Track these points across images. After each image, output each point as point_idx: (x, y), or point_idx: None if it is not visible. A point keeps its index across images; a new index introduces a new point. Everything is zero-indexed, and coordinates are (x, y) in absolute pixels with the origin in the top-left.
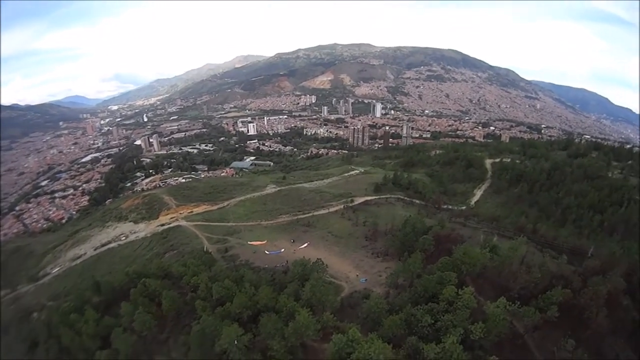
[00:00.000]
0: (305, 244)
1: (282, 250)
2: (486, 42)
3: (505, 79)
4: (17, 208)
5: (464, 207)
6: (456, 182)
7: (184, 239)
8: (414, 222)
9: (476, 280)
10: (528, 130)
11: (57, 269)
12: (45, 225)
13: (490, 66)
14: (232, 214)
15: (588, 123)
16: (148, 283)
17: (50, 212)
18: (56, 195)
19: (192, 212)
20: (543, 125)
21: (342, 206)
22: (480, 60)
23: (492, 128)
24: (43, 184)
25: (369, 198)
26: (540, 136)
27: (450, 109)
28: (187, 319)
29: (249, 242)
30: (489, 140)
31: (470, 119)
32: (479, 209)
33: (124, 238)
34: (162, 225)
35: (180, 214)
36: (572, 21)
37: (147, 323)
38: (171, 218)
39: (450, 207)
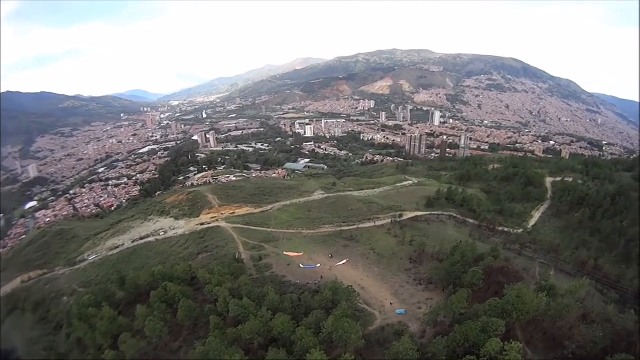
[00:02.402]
0: (344, 261)
1: (318, 265)
2: (547, 50)
3: (567, 91)
4: (72, 192)
5: (520, 230)
6: (514, 201)
7: (220, 241)
8: (464, 249)
9: (526, 328)
10: (589, 146)
11: (93, 257)
12: (94, 211)
13: (552, 77)
14: (274, 219)
15: None
16: (169, 287)
17: (102, 199)
18: (110, 183)
19: (234, 213)
20: (604, 142)
21: (389, 220)
22: (542, 70)
23: (552, 142)
24: (100, 171)
25: (419, 213)
26: (601, 154)
27: (509, 120)
28: (202, 331)
29: (284, 253)
30: (549, 156)
31: (530, 131)
32: (536, 234)
33: (162, 233)
34: (202, 224)
35: (222, 214)
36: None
37: (158, 331)
38: (212, 218)
39: (505, 229)
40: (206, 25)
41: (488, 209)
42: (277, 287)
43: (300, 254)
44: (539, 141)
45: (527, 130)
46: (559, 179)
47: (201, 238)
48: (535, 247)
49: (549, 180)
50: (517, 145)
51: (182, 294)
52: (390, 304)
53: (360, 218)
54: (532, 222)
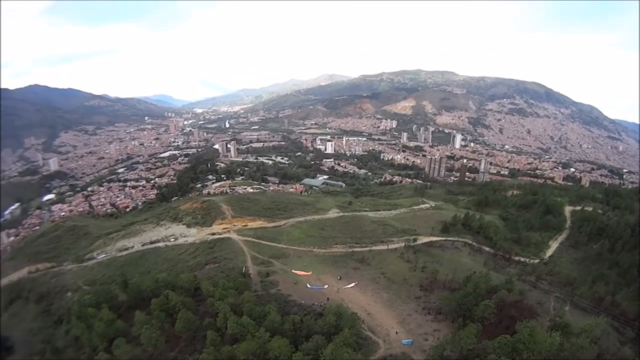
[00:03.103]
0: (352, 284)
1: (326, 286)
2: (570, 75)
3: (589, 117)
4: (89, 189)
5: (537, 261)
6: (532, 229)
7: (230, 253)
8: (477, 280)
9: None
10: (609, 174)
11: (102, 256)
12: (109, 210)
13: (574, 102)
14: (286, 235)
15: None
16: (171, 296)
17: (118, 199)
18: (128, 184)
19: (246, 225)
20: (625, 170)
21: (403, 244)
22: (564, 96)
23: (572, 169)
24: (119, 171)
25: (434, 239)
26: (621, 182)
27: (530, 146)
28: (200, 344)
29: (293, 271)
30: (569, 184)
31: (551, 158)
32: (553, 266)
33: (172, 240)
34: (213, 234)
35: (234, 225)
36: None
37: (154, 340)
38: (224, 228)
39: (522, 259)
40: (233, 36)
41: (505, 237)
42: (281, 306)
43: (308, 273)
44: (559, 168)
45: (547, 156)
46: (578, 208)
47: (211, 248)
48: (551, 280)
49: (568, 209)
50: (537, 171)
51: (182, 305)
52: (396, 333)
53: (374, 240)
54: (549, 253)
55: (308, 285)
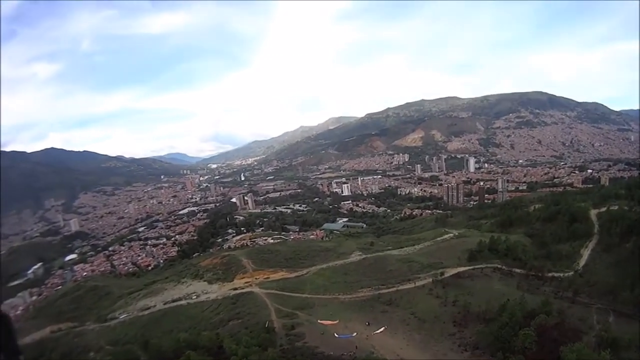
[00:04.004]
0: (382, 329)
1: (354, 334)
2: (567, 76)
3: (595, 114)
4: (111, 248)
5: (571, 273)
6: (560, 241)
7: (253, 307)
8: (513, 308)
9: None
10: (627, 167)
11: (124, 315)
12: (131, 269)
13: (578, 103)
14: (309, 284)
15: None
16: (192, 357)
17: (139, 258)
18: (148, 242)
19: (268, 278)
20: None
21: (430, 279)
22: (567, 99)
23: (589, 171)
24: (140, 230)
25: (461, 269)
26: None
27: (544, 156)
28: None
29: (318, 321)
30: (589, 186)
31: (566, 163)
32: (589, 276)
33: (194, 297)
34: (235, 289)
35: (256, 279)
36: None
37: None
38: (245, 282)
39: (555, 274)
40: (240, 89)
41: (534, 254)
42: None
43: (335, 322)
44: (576, 172)
45: (562, 163)
46: (603, 209)
47: (233, 304)
48: (589, 291)
49: (593, 212)
50: (555, 180)
51: None
52: None
53: (400, 279)
54: (582, 262)
55: (335, 334)
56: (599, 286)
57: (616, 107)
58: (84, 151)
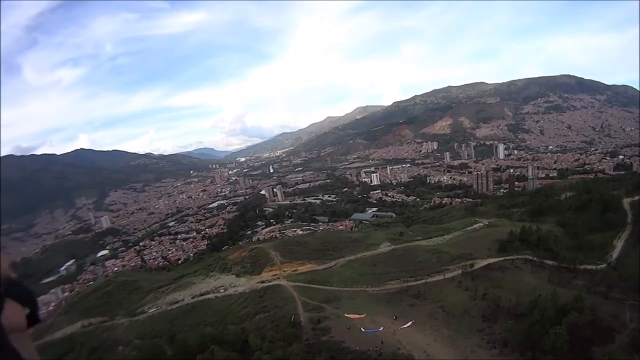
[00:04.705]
0: (409, 323)
1: (381, 328)
2: (595, 59)
3: (625, 97)
4: (141, 243)
5: (604, 266)
6: (592, 231)
7: (280, 301)
8: (544, 304)
9: None
10: None
11: (153, 309)
12: (161, 264)
13: (607, 86)
14: (337, 277)
15: None
16: (216, 352)
17: (169, 252)
18: (178, 236)
19: (296, 270)
20: None
21: (460, 271)
22: (596, 82)
23: (621, 157)
24: (170, 224)
25: (492, 260)
26: None
27: (574, 141)
28: None
29: (345, 314)
30: (621, 173)
31: (597, 149)
32: (622, 269)
33: (222, 290)
34: (262, 282)
35: (284, 271)
36: None
37: None
38: (273, 275)
39: (587, 267)
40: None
41: (566, 245)
42: (333, 354)
43: (362, 316)
44: (608, 158)
45: (593, 149)
46: (637, 197)
47: (260, 297)
48: (623, 286)
49: (626, 201)
50: (586, 166)
51: None
52: None
53: (429, 271)
54: (615, 254)
55: (362, 329)
56: (632, 280)
57: None
58: (113, 150)
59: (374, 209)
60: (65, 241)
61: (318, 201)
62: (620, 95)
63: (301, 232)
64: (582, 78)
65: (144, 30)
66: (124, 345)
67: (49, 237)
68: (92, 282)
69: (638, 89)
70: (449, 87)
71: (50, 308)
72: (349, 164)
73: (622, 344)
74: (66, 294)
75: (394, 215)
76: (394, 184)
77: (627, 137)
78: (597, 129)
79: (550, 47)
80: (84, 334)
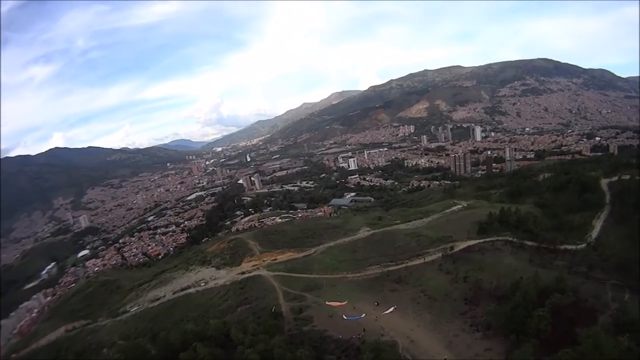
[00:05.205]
0: (391, 309)
1: (363, 315)
2: (572, 43)
3: (602, 81)
4: (121, 241)
5: (583, 246)
6: (571, 212)
7: (261, 291)
8: (526, 287)
9: None
10: (636, 135)
11: (135, 308)
12: (141, 260)
13: (584, 69)
14: (317, 264)
15: None
16: (198, 349)
17: (149, 248)
18: (158, 231)
19: (275, 259)
20: None
21: (440, 254)
22: (573, 65)
23: (597, 138)
24: (149, 219)
25: (472, 242)
26: None
27: (551, 123)
28: None
29: (327, 302)
30: (598, 154)
31: (573, 131)
32: (602, 248)
33: (203, 284)
34: (243, 273)
35: (263, 261)
36: None
37: None
38: (253, 266)
39: (567, 247)
40: (241, 70)
41: (545, 226)
42: (316, 344)
43: (343, 303)
44: (584, 140)
45: (570, 131)
46: (615, 178)
47: (241, 289)
48: (604, 265)
49: (604, 182)
50: (563, 148)
51: (211, 357)
52: (445, 359)
53: (409, 255)
54: (594, 234)
55: (344, 316)
56: (613, 260)
57: (623, 74)
58: (88, 147)
59: (353, 194)
60: (45, 244)
61: (296, 188)
62: (596, 79)
63: (280, 220)
64: (559, 62)
65: (117, 21)
66: (108, 348)
67: (28, 242)
68: (73, 285)
69: (614, 72)
70: (425, 70)
71: (34, 315)
72: (326, 149)
73: (605, 325)
74: (48, 298)
75: (372, 199)
76: (372, 168)
77: (603, 119)
78: (573, 112)
79: (527, 31)
80: (69, 338)
